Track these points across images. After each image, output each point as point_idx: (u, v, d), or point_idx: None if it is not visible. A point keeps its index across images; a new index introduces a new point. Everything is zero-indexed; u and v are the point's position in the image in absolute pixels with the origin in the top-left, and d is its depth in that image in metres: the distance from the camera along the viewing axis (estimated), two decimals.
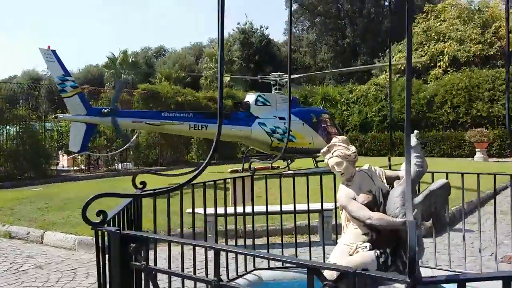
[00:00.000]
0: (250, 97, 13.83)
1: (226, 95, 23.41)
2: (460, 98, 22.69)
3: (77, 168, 17.69)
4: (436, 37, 27.96)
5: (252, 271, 3.83)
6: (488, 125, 21.31)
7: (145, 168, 19.19)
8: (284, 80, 14.92)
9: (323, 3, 37.57)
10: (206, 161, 2.18)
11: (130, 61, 38.94)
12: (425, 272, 3.90)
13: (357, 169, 3.21)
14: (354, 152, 3.16)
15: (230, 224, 6.65)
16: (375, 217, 2.91)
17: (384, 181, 3.23)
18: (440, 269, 3.93)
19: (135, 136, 13.41)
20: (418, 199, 2.95)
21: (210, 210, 5.94)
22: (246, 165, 15.73)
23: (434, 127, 23.85)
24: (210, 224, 6.29)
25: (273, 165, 14.82)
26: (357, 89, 27.64)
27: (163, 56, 54.59)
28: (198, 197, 3.62)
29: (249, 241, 4.24)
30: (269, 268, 3.90)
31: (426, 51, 28.01)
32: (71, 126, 10.19)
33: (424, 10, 29.91)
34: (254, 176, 4.24)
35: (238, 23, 38.94)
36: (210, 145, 20.01)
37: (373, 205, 3.02)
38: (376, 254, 2.91)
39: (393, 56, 29.60)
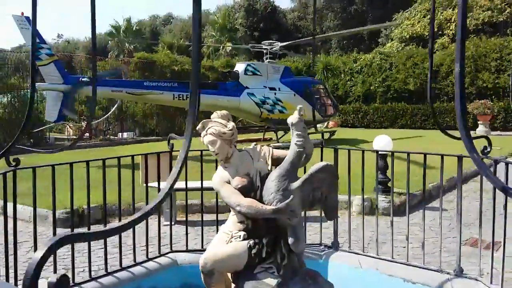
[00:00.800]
0: (240, 67, 13.43)
1: (226, 64, 22.97)
2: (466, 68, 21.84)
3: (74, 137, 17.67)
4: (445, 3, 26.78)
5: (167, 253, 3.60)
6: (493, 96, 20.63)
7: (142, 137, 19.19)
8: (275, 48, 14.43)
9: None
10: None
11: (134, 29, 38.36)
12: (349, 259, 3.66)
13: (243, 148, 2.89)
14: (231, 130, 2.77)
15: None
16: (245, 204, 2.59)
17: (269, 162, 2.87)
18: (366, 255, 3.66)
19: (117, 103, 13.18)
20: (295, 184, 2.62)
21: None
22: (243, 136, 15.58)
23: (438, 98, 23.17)
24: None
25: (265, 137, 14.52)
26: (362, 58, 26.86)
27: (169, 24, 53.79)
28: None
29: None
30: (186, 251, 3.67)
31: (436, 19, 26.90)
32: (47, 96, 9.98)
33: None
34: None
35: None
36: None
37: (249, 190, 2.71)
38: (248, 244, 2.64)
39: (400, 24, 28.63)
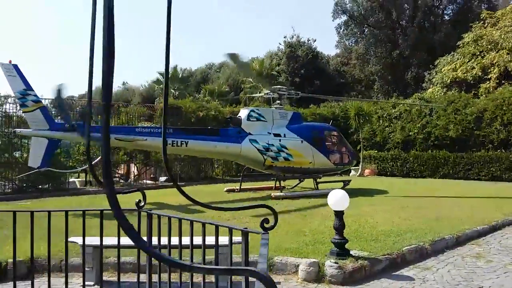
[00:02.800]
0: (243, 112, 13.01)
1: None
2: (511, 114, 20.07)
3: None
4: (488, 46, 25.16)
5: None
6: None
7: (165, 183, 19.11)
8: (283, 95, 13.91)
9: (373, 12, 35.73)
10: None
11: (180, 76, 39.69)
12: None
13: None
14: None
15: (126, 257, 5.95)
16: None
17: None
18: None
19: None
20: None
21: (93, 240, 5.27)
22: (245, 185, 14.93)
23: (483, 146, 21.32)
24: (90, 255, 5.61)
25: (277, 185, 13.76)
26: (401, 104, 25.62)
27: (218, 72, 55.28)
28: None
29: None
30: None
31: (478, 62, 25.28)
32: (32, 141, 10.03)
33: (481, 17, 27.12)
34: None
35: (285, 36, 38.32)
36: (209, 161, 19.76)
37: None
38: None
39: (441, 69, 27.25)
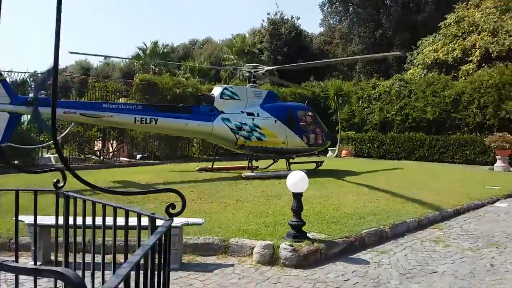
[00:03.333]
0: (216, 90, 12.74)
1: None
2: (488, 97, 20.19)
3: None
4: (470, 28, 25.09)
5: None
6: None
7: (140, 161, 18.84)
8: (260, 72, 13.66)
9: None
10: None
11: (160, 52, 38.91)
12: None
13: None
14: None
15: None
16: None
17: None
18: None
19: (70, 126, 12.76)
20: None
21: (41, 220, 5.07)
22: (218, 164, 14.78)
23: (459, 129, 21.49)
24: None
25: (250, 165, 13.58)
26: (381, 85, 25.56)
27: (202, 48, 54.40)
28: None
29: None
30: None
31: (460, 44, 25.22)
32: None
33: None
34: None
35: (268, 13, 37.69)
36: (179, 139, 19.46)
37: None
38: None
39: (422, 50, 27.17)
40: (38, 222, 4.73)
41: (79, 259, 2.95)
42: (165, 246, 2.01)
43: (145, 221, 2.32)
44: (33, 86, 18.08)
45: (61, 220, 3.17)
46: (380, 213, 7.48)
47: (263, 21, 38.21)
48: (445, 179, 13.11)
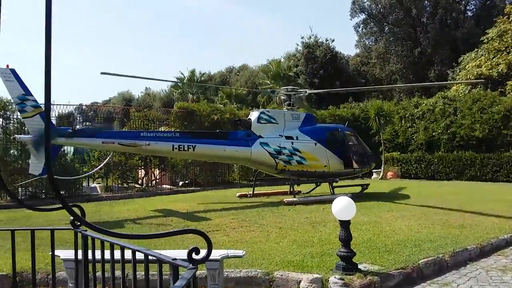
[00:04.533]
0: (253, 115, 12.48)
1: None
2: None
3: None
4: None
5: None
6: None
7: (182, 188, 18.73)
8: (298, 94, 13.31)
9: (392, 10, 34.61)
10: None
11: (198, 80, 39.47)
12: None
13: None
14: None
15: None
16: None
17: None
18: None
19: (111, 154, 12.76)
20: None
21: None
22: (260, 189, 14.36)
23: (510, 146, 20.19)
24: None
25: (292, 190, 13.09)
26: (424, 103, 24.62)
27: (238, 75, 54.92)
28: None
29: None
30: None
31: (504, 58, 24.03)
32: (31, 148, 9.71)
33: (506, 11, 25.84)
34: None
35: (302, 37, 37.54)
36: (216, 166, 19.12)
37: None
38: None
39: (465, 66, 26.09)
40: (68, 256, 4.47)
41: None
42: None
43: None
44: (79, 118, 18.63)
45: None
46: (437, 240, 6.82)
47: (298, 45, 38.15)
48: (502, 199, 12.12)
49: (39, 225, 6.02)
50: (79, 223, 2.68)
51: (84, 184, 18.41)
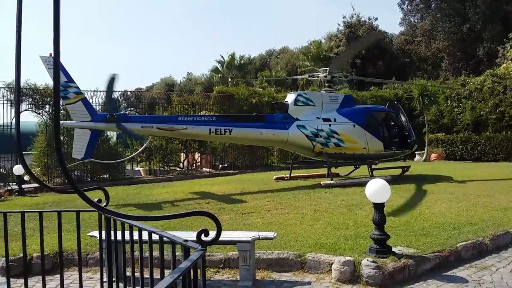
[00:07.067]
0: (290, 97, 12.36)
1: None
2: None
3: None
4: None
5: None
6: None
7: (221, 171, 19.00)
8: (337, 76, 13.05)
9: None
10: None
11: (237, 64, 39.48)
12: None
13: None
14: None
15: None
16: None
17: None
18: None
19: (149, 139, 13.02)
20: None
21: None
22: (297, 172, 14.30)
23: None
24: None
25: (330, 172, 12.96)
26: (471, 82, 23.54)
27: (278, 58, 54.44)
28: None
29: None
30: None
31: None
32: (75, 133, 10.09)
33: None
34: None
35: (344, 17, 36.65)
36: (254, 149, 19.11)
37: None
38: None
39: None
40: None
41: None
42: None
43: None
44: (123, 103, 19.20)
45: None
46: (478, 223, 6.59)
47: (339, 25, 37.30)
48: None
49: (83, 207, 6.32)
50: (104, 204, 2.77)
51: (128, 167, 19.03)
